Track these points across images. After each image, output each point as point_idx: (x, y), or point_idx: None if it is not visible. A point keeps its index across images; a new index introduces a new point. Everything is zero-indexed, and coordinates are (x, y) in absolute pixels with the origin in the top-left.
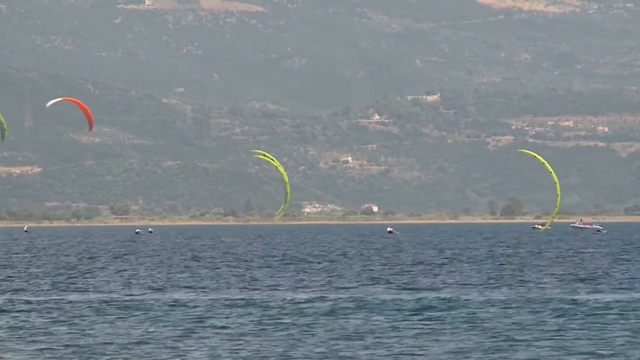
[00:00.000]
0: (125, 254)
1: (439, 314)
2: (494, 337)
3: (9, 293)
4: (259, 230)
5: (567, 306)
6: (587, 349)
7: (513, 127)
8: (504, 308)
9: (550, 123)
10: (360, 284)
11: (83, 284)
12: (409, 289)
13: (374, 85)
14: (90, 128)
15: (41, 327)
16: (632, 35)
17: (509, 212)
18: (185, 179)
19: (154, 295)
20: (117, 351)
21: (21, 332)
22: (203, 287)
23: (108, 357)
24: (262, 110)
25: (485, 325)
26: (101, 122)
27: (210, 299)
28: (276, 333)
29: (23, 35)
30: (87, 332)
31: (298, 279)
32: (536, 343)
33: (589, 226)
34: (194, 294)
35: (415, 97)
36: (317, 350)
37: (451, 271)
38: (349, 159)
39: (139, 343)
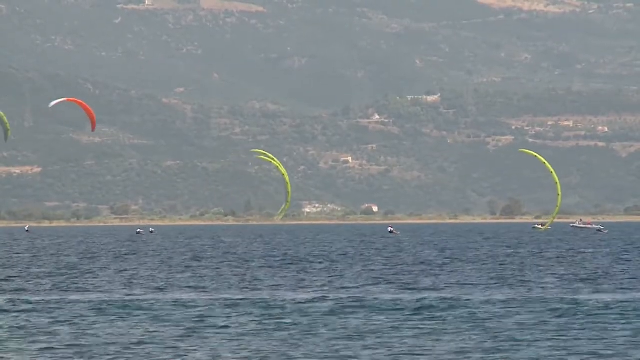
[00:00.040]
0: (126, 254)
1: (440, 314)
2: (495, 337)
3: (10, 293)
4: (259, 231)
5: (568, 306)
6: (588, 349)
7: (513, 127)
8: (505, 308)
9: (550, 123)
10: (361, 284)
11: (84, 284)
12: (410, 289)
13: (374, 85)
14: (93, 129)
15: (42, 327)
16: (632, 35)
17: (509, 212)
18: (185, 179)
19: (155, 295)
20: (118, 351)
21: (22, 332)
22: (204, 287)
23: (109, 357)
24: (262, 110)
25: (487, 325)
26: (101, 122)
27: (211, 299)
28: (277, 333)
29: (23, 35)
30: (88, 332)
31: (299, 279)
32: (537, 343)
33: (589, 226)
34: (195, 294)
35: (415, 97)
36: (318, 350)
37: (452, 271)
38: (349, 159)
39: (140, 343)
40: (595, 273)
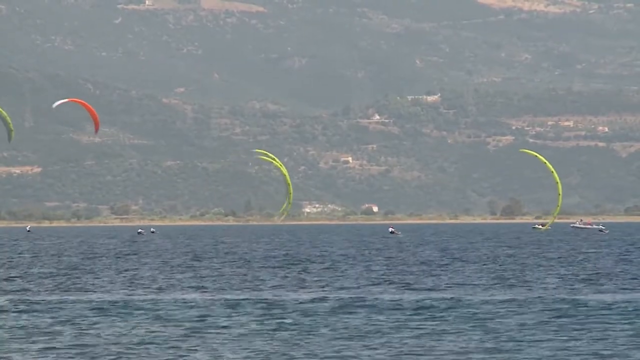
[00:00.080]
0: (127, 254)
1: (441, 314)
2: (496, 337)
3: (12, 293)
4: (259, 231)
5: (569, 306)
6: (589, 349)
7: (513, 127)
8: (507, 308)
9: (550, 123)
10: (362, 284)
11: (86, 284)
12: (411, 289)
13: (374, 85)
14: (96, 131)
15: (44, 327)
16: (632, 35)
17: (509, 213)
18: (185, 179)
19: (156, 296)
20: (120, 351)
21: (24, 332)
22: (205, 287)
23: (111, 357)
24: (262, 110)
25: (488, 325)
26: (101, 122)
27: (213, 299)
28: (278, 333)
29: (23, 35)
30: (90, 332)
31: (300, 279)
32: (538, 343)
33: (589, 226)
34: (196, 294)
35: (416, 97)
36: (320, 350)
37: (454, 271)
38: (349, 159)
39: (141, 343)
40: (597, 273)
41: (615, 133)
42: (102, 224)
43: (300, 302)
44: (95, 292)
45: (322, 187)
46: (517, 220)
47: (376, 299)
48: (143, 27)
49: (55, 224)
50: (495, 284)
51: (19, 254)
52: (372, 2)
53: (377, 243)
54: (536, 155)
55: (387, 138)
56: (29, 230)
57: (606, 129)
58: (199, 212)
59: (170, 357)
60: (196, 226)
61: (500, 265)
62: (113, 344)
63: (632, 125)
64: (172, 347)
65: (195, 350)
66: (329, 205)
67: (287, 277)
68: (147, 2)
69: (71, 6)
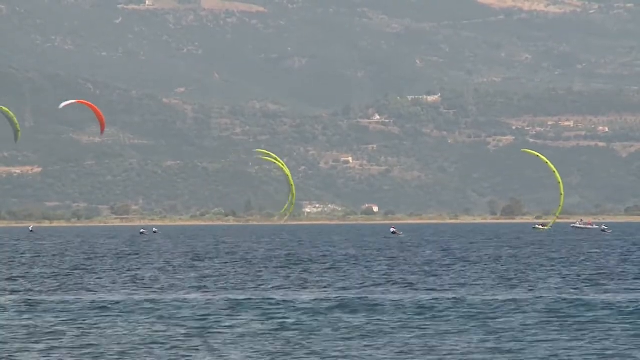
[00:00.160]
0: (129, 254)
1: (444, 314)
2: (499, 337)
3: (15, 293)
4: (259, 231)
5: (571, 306)
6: (591, 349)
7: (513, 127)
8: (509, 308)
9: (550, 123)
10: (364, 284)
11: (88, 284)
12: (414, 289)
13: (374, 85)
14: (102, 132)
15: (47, 327)
16: (632, 36)
17: (510, 213)
18: (185, 179)
19: (158, 295)
20: (122, 351)
21: (27, 331)
22: (207, 287)
23: (113, 357)
24: (262, 110)
25: (491, 325)
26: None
27: (215, 299)
28: (281, 333)
29: (23, 35)
30: (93, 332)
31: (302, 279)
32: (540, 343)
33: (589, 226)
34: (198, 294)
35: (416, 97)
36: (322, 350)
37: (456, 271)
38: (350, 159)
39: (144, 343)
40: (598, 273)
41: (616, 133)
42: (102, 224)
43: (302, 302)
44: (97, 292)
45: (322, 187)
46: (518, 220)
47: (378, 299)
48: (143, 27)
49: (55, 224)
50: (498, 284)
51: (21, 253)
52: (372, 2)
53: (379, 243)
54: (538, 155)
55: (388, 138)
56: (31, 231)
57: (606, 129)
58: (199, 212)
59: (172, 357)
60: (196, 226)
61: (502, 266)
62: (115, 343)
63: (633, 125)
64: (174, 347)
65: (197, 350)
66: (329, 206)
67: (289, 277)
68: (147, 2)
69: (71, 6)
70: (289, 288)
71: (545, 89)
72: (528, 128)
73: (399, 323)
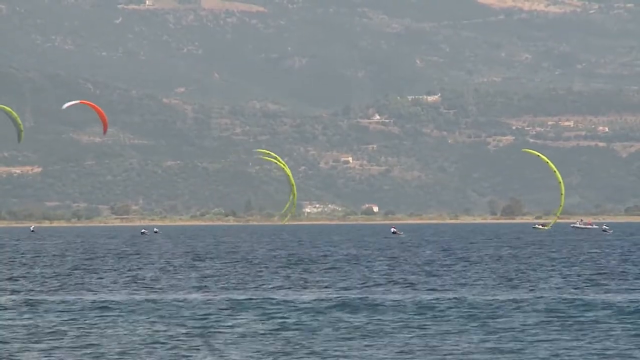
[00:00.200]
0: (130, 254)
1: (445, 313)
2: (500, 337)
3: (16, 293)
4: (259, 231)
5: (572, 306)
6: (593, 349)
7: (513, 127)
8: (510, 308)
9: (550, 123)
10: (365, 284)
11: (89, 284)
12: (415, 289)
13: (374, 85)
14: (105, 132)
15: (48, 327)
16: (632, 35)
17: (510, 212)
18: (185, 179)
19: (159, 295)
20: (123, 351)
21: (28, 331)
22: (208, 287)
23: (114, 357)
24: (262, 110)
25: (491, 325)
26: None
27: (216, 299)
28: (282, 333)
29: (23, 35)
30: (94, 332)
31: (303, 279)
32: (541, 343)
33: (589, 226)
34: (199, 294)
35: (416, 97)
36: (323, 350)
37: (456, 271)
38: (350, 159)
39: (145, 343)
40: (599, 273)
41: (616, 133)
42: (102, 224)
43: (303, 302)
44: (98, 292)
45: (322, 187)
46: (518, 220)
47: (379, 299)
48: (143, 27)
49: (55, 224)
50: (498, 284)
51: (22, 253)
52: (372, 2)
53: (379, 243)
54: (539, 155)
55: (388, 138)
56: (32, 230)
57: (606, 129)
58: (199, 212)
59: (173, 357)
60: (196, 226)
61: (503, 265)
62: (116, 343)
63: (633, 125)
64: (175, 347)
65: (198, 350)
66: (329, 205)
67: (289, 277)
68: (147, 2)
69: (71, 6)
70: (290, 288)
71: (545, 89)
72: (528, 128)
73: (399, 323)
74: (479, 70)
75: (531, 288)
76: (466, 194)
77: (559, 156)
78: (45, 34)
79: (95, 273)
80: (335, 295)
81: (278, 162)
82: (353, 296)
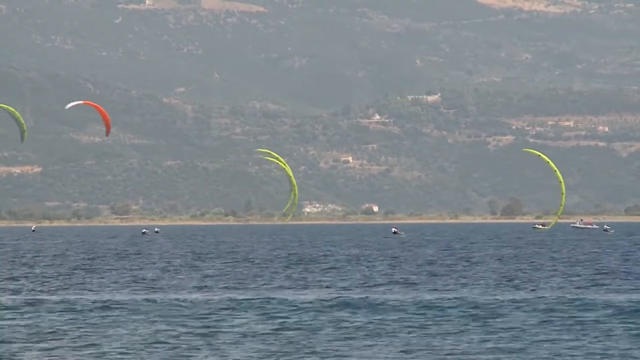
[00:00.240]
0: (130, 254)
1: (446, 313)
2: (501, 337)
3: (17, 293)
4: (260, 230)
5: (573, 306)
6: (594, 349)
7: (513, 127)
8: (511, 308)
9: (550, 123)
10: (366, 283)
11: (90, 283)
12: (416, 289)
13: (374, 85)
14: (107, 134)
15: (49, 326)
16: (632, 35)
17: (509, 212)
18: (185, 178)
19: (160, 295)
20: (123, 352)
21: (29, 331)
22: (209, 287)
23: (115, 356)
24: (262, 110)
25: (493, 325)
26: (101, 121)
27: (216, 299)
28: (282, 333)
29: (23, 35)
30: (94, 332)
31: (304, 279)
32: (543, 343)
33: (589, 226)
34: (199, 293)
35: (416, 97)
36: (324, 349)
37: (457, 271)
38: (350, 158)
39: (146, 343)
40: (600, 273)
41: (616, 133)
42: (102, 224)
43: (304, 302)
44: (99, 291)
45: (322, 187)
46: (518, 220)
47: (380, 298)
48: (143, 27)
49: (55, 223)
50: (499, 284)
51: (23, 253)
52: (372, 2)
53: (380, 243)
54: (539, 155)
55: (387, 138)
56: (33, 230)
57: (606, 129)
58: (199, 212)
59: (174, 357)
60: (196, 226)
61: (504, 265)
62: (117, 343)
63: (633, 125)
64: (176, 347)
65: (199, 349)
66: (329, 205)
67: (290, 277)
68: (147, 2)
69: (71, 6)
70: (291, 288)
71: (545, 89)
72: (528, 128)
73: (400, 323)
74: (479, 70)
75: (532, 288)
76: (466, 194)
77: (559, 156)
78: (45, 34)
79: (96, 273)
80: (336, 295)
81: (279, 162)
82: (354, 296)
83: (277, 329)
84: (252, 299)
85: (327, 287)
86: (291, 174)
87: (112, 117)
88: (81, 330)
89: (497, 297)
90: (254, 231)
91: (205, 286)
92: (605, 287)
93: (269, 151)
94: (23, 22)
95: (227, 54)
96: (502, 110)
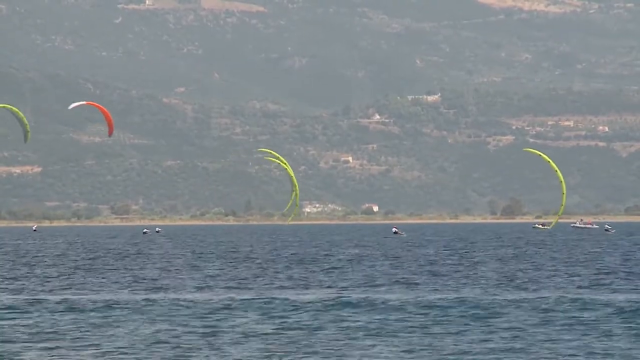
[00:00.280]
0: (131, 253)
1: (447, 313)
2: (502, 337)
3: (19, 292)
4: (260, 230)
5: (574, 306)
6: (595, 348)
7: (513, 127)
8: (512, 307)
9: (550, 123)
10: (367, 283)
11: (90, 283)
12: (417, 289)
13: (374, 85)
14: (110, 134)
15: (49, 326)
16: (632, 35)
17: (509, 212)
18: (185, 178)
19: (161, 295)
20: (124, 352)
21: (30, 331)
22: (210, 287)
23: (115, 357)
24: (262, 110)
25: (494, 324)
26: (102, 121)
27: (218, 299)
28: (284, 332)
29: (23, 35)
30: (95, 331)
31: (305, 278)
32: (544, 343)
33: (589, 226)
34: (200, 293)
35: (416, 96)
36: (325, 349)
37: (458, 271)
38: (350, 158)
39: (146, 343)
40: (601, 272)
41: (616, 133)
42: (102, 224)
43: (305, 302)
44: (99, 291)
45: (322, 187)
46: (518, 220)
47: (381, 298)
48: (143, 27)
49: (55, 223)
50: (500, 283)
51: (24, 253)
52: (372, 2)
53: (381, 243)
54: (540, 155)
55: (387, 138)
56: (35, 230)
57: (606, 129)
58: (199, 212)
59: (175, 357)
60: (196, 226)
61: (504, 265)
62: (118, 343)
63: (633, 125)
64: (177, 347)
65: (200, 349)
66: (329, 205)
67: (291, 276)
68: (147, 1)
69: (71, 6)
70: (292, 287)
71: (545, 89)
72: (528, 128)
73: (402, 322)
74: (479, 70)
75: (533, 288)
76: (466, 194)
77: (559, 156)
78: (45, 34)
79: (96, 272)
80: (337, 295)
81: (280, 162)
82: (355, 295)
83: (278, 329)
84: (253, 298)
85: (329, 287)
86: (292, 174)
87: (112, 117)
88: (82, 330)
89: (497, 296)
90: (254, 231)
91: (207, 286)
92: (607, 286)
93: (271, 151)
94: (23, 22)
95: (227, 54)
96: (502, 110)
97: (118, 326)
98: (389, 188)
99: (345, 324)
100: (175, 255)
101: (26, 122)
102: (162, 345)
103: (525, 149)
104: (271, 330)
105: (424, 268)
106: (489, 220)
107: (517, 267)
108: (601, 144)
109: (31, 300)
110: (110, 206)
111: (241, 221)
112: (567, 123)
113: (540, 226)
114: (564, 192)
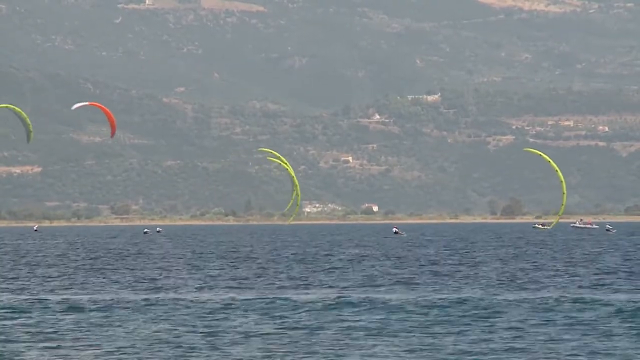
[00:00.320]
0: (132, 253)
1: (448, 313)
2: (503, 337)
3: (19, 292)
4: (260, 230)
5: (576, 305)
6: (595, 348)
7: (513, 127)
8: (512, 307)
9: (550, 123)
10: (368, 283)
11: (91, 283)
12: (418, 289)
13: (374, 85)
14: (112, 135)
15: (50, 326)
16: (632, 35)
17: (509, 212)
18: (185, 178)
19: (162, 295)
20: (125, 352)
21: (30, 331)
22: (211, 286)
23: (116, 356)
24: (262, 109)
25: (495, 324)
26: (101, 121)
27: (219, 299)
28: (284, 332)
29: (23, 35)
30: (96, 331)
31: (306, 278)
32: (545, 343)
33: (589, 226)
34: (201, 293)
35: (416, 96)
36: (326, 349)
37: (459, 270)
38: (350, 158)
39: (147, 342)
40: (602, 272)
41: (616, 133)
42: (102, 224)
43: (306, 302)
44: (100, 291)
45: (322, 187)
46: (518, 220)
47: (382, 298)
48: (143, 27)
49: (55, 223)
50: (500, 283)
51: (24, 253)
52: (372, 1)
53: (381, 242)
54: (540, 154)
55: (387, 138)
56: (35, 230)
57: (606, 129)
58: (199, 212)
59: (176, 356)
60: (196, 226)
61: (504, 265)
62: (119, 343)
63: (633, 125)
64: (178, 347)
65: (201, 349)
66: (329, 205)
67: (292, 276)
68: (147, 1)
69: (71, 6)
70: (292, 287)
71: (545, 89)
72: (528, 128)
73: (402, 322)
74: (479, 70)
75: (534, 287)
76: (466, 194)
77: (559, 156)
78: (45, 34)
79: (97, 272)
80: (338, 295)
81: (281, 162)
82: (356, 295)
83: (279, 329)
84: (255, 298)
85: (330, 286)
86: (293, 174)
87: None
88: (82, 329)
89: (498, 296)
90: (254, 231)
91: (207, 286)
92: (607, 286)
93: (272, 151)
94: (23, 22)
95: (227, 53)
96: (502, 110)
97: (119, 326)
98: (389, 188)
99: (346, 324)
100: (175, 255)
101: (29, 122)
102: (162, 345)
103: (525, 149)
104: (272, 330)
105: (425, 268)
106: (489, 220)
107: (517, 267)
108: (601, 143)
109: (32, 300)
110: (110, 206)
111: (241, 221)
112: (567, 123)
113: (540, 226)
114: (565, 192)
